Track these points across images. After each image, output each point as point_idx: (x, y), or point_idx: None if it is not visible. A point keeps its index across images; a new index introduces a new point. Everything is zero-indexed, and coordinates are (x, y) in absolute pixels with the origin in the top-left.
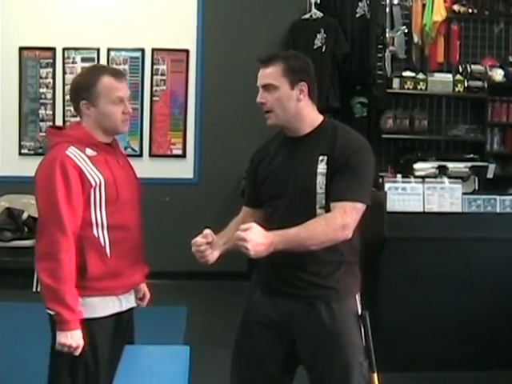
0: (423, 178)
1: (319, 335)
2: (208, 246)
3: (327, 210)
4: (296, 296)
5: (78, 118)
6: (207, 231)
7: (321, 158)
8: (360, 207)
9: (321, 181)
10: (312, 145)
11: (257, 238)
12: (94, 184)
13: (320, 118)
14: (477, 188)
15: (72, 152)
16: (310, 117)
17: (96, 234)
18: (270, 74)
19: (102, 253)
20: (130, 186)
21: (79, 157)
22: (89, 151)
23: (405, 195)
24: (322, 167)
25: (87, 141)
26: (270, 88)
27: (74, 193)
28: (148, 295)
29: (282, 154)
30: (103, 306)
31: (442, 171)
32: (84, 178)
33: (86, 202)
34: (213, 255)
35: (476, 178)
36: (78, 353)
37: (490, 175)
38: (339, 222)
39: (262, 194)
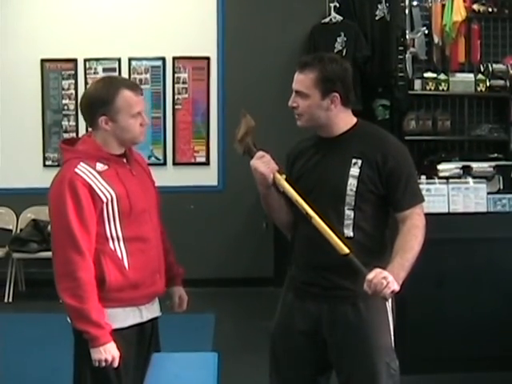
0: (447, 178)
1: (345, 337)
2: None
3: (355, 210)
4: (323, 297)
5: None
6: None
7: (354, 160)
8: (422, 205)
9: (352, 183)
10: (345, 146)
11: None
12: (105, 200)
13: (353, 121)
14: (502, 187)
15: (81, 169)
16: (343, 121)
17: (112, 247)
18: (302, 81)
19: (119, 265)
20: (146, 196)
21: (89, 173)
22: (99, 166)
23: (429, 196)
24: (354, 170)
25: (97, 155)
26: (301, 94)
27: (86, 211)
28: (185, 298)
29: (316, 154)
30: (123, 317)
31: (466, 171)
32: (94, 195)
33: (99, 218)
34: None
35: (500, 178)
36: (116, 364)
37: None
38: (422, 226)
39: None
